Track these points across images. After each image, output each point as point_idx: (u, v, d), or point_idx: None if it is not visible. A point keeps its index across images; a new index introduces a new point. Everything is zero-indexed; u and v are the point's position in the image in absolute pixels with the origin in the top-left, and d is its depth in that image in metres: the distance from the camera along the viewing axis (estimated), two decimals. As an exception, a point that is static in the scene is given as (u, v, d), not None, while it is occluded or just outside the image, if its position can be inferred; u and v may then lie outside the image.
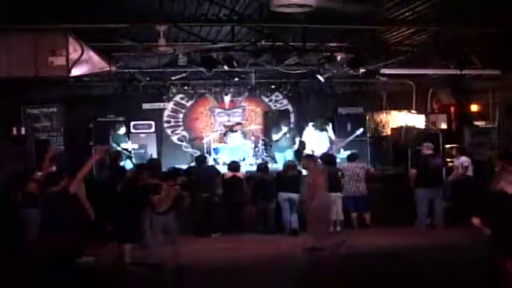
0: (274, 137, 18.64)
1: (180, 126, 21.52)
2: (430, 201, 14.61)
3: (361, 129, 18.09)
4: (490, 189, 11.07)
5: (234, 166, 15.51)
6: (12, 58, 10.95)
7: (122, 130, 18.22)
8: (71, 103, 19.24)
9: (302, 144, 17.83)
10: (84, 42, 11.56)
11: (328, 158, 15.29)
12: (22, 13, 10.50)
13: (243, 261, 11.96)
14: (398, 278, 9.67)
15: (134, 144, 18.32)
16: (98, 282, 10.65)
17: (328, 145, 16.87)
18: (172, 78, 18.69)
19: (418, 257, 11.56)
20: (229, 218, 14.94)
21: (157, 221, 11.37)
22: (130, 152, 17.64)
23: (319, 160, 15.18)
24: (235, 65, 14.78)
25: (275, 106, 22.09)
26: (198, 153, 19.51)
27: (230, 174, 15.29)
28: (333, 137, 17.28)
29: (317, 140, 16.93)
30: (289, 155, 17.87)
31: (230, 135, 19.26)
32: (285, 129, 18.46)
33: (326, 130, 17.08)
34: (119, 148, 17.17)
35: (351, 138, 17.68)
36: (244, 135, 19.90)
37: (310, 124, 18.61)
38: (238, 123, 20.11)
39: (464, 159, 15.37)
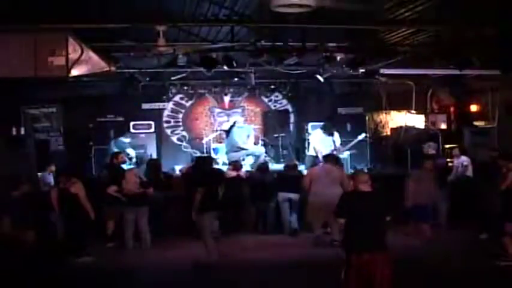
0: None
1: (179, 126, 21.53)
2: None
3: (364, 135, 17.96)
4: (498, 189, 11.26)
5: (237, 166, 15.49)
6: (11, 58, 10.94)
7: (127, 139, 18.11)
8: (70, 103, 19.20)
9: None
10: (83, 42, 11.55)
11: (330, 158, 15.16)
12: (22, 13, 10.49)
13: (242, 261, 11.97)
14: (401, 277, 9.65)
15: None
16: (97, 282, 10.67)
17: (332, 148, 16.76)
18: (172, 78, 18.70)
19: (421, 256, 11.58)
20: (229, 218, 14.88)
21: None
22: (131, 158, 17.46)
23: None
24: (235, 65, 14.79)
25: (275, 106, 22.10)
26: (198, 153, 19.52)
27: (234, 173, 15.24)
28: (338, 142, 17.18)
29: (322, 143, 16.86)
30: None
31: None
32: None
33: (333, 135, 17.01)
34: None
35: (352, 143, 17.51)
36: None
37: (310, 126, 18.64)
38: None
39: (464, 159, 15.36)
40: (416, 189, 12.73)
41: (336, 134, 17.09)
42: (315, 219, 13.33)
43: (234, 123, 18.45)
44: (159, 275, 10.99)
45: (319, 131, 17.25)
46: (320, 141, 16.83)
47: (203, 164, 13.02)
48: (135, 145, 18.30)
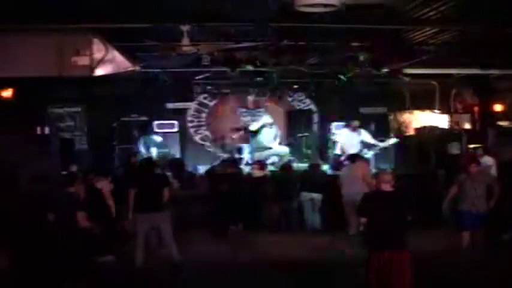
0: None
1: (203, 125, 21.60)
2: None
3: (395, 139, 17.89)
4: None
5: (262, 165, 15.54)
6: (36, 58, 11.07)
7: (158, 138, 18.35)
8: (94, 103, 19.36)
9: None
10: (108, 42, 11.64)
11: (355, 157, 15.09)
12: (46, 13, 10.59)
13: (264, 259, 11.99)
14: (422, 277, 9.65)
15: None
16: (117, 281, 10.69)
17: (359, 147, 16.69)
18: (196, 77, 18.77)
19: (442, 255, 11.52)
20: (253, 216, 14.88)
21: None
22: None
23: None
24: (259, 64, 14.82)
25: (298, 106, 22.09)
26: (221, 153, 19.58)
27: (259, 173, 15.28)
28: (367, 138, 17.11)
29: (348, 141, 16.82)
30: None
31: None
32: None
33: (359, 132, 16.94)
34: (142, 150, 17.34)
35: (382, 145, 17.38)
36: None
37: (333, 125, 18.67)
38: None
39: (487, 159, 15.23)
40: (457, 195, 12.33)
41: (363, 131, 17.04)
42: (350, 218, 13.49)
43: (264, 124, 18.50)
44: (176, 273, 11.00)
45: (345, 130, 17.23)
46: (346, 140, 16.81)
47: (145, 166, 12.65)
48: (160, 144, 18.46)
